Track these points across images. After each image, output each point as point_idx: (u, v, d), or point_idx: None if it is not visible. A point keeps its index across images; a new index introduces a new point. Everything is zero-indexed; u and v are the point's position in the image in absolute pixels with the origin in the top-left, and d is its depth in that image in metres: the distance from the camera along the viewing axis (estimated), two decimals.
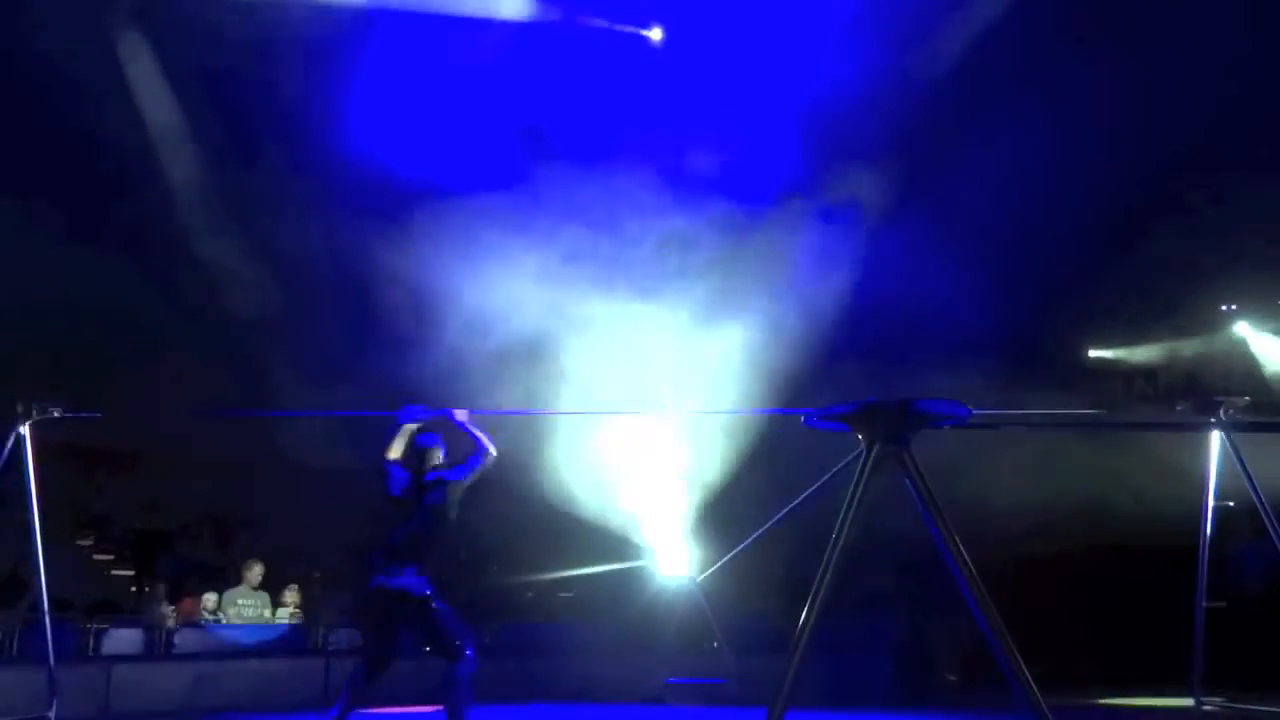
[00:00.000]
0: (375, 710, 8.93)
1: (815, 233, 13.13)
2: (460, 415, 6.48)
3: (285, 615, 11.11)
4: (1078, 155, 12.79)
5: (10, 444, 6.67)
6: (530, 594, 13.60)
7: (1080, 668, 11.24)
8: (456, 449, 6.54)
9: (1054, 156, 12.49)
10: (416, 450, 6.39)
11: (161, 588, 11.76)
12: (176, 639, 10.57)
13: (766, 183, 13.17)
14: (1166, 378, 15.09)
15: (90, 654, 10.21)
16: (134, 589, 12.84)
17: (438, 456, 6.43)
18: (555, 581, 13.74)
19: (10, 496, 7.97)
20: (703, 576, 10.17)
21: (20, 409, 6.67)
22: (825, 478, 4.85)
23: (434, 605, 5.94)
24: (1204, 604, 7.89)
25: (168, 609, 10.95)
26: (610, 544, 13.92)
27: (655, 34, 15.36)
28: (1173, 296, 14.17)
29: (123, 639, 10.48)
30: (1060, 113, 12.68)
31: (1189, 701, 7.98)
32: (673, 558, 13.85)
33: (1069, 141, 12.64)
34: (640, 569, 13.81)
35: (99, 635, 10.39)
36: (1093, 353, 15.80)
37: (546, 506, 12.98)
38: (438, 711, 6.12)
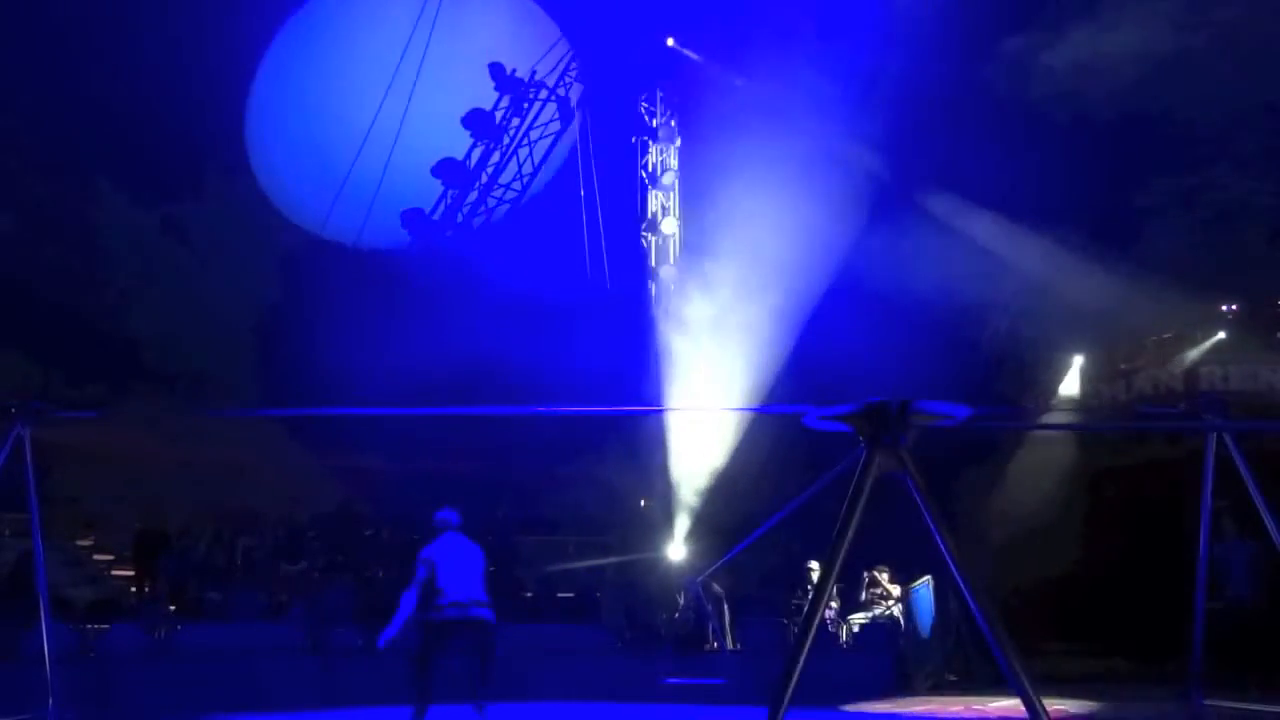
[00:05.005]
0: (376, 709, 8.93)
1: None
2: None
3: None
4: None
5: (10, 444, 6.64)
6: (530, 594, 13.57)
7: (1079, 667, 11.25)
8: None
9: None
10: None
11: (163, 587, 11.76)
12: (176, 639, 10.56)
13: None
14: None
15: (90, 654, 10.19)
16: (134, 589, 12.81)
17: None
18: (555, 580, 13.73)
19: (10, 496, 7.95)
20: (704, 576, 10.17)
21: (19, 409, 6.64)
22: (825, 478, 4.84)
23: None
24: (1203, 603, 7.86)
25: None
26: (612, 541, 13.91)
27: None
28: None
29: (122, 639, 10.46)
30: None
31: (1189, 701, 7.96)
32: (674, 556, 13.86)
33: None
34: (640, 567, 13.82)
35: (99, 635, 10.35)
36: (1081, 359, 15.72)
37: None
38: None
